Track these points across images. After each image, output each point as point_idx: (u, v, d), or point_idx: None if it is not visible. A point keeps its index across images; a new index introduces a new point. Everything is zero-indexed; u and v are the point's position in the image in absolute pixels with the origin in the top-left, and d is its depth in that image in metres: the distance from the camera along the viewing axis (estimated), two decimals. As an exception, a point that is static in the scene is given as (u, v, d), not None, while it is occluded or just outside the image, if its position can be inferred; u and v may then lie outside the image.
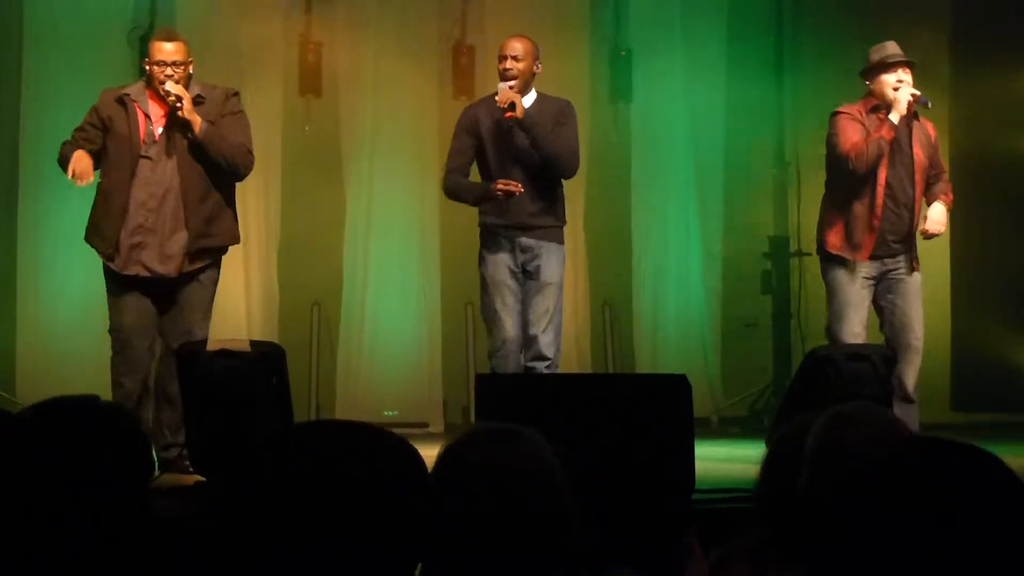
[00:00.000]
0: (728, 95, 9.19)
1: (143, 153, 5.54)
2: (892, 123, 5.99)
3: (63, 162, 5.59)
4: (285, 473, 1.50)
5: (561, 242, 6.01)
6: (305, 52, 8.67)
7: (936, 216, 6.17)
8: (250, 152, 5.71)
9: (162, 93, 5.53)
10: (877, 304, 6.17)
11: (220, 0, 8.49)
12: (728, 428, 8.62)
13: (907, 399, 5.97)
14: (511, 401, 4.63)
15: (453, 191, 6.06)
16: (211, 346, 5.16)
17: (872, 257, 6.09)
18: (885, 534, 1.46)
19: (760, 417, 8.58)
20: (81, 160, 5.50)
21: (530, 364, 5.84)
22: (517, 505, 1.80)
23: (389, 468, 1.56)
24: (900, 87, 6.05)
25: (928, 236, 6.16)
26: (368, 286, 8.66)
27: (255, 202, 8.38)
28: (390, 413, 8.33)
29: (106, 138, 5.62)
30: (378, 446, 1.61)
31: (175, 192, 5.54)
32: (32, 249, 8.07)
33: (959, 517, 1.45)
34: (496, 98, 5.87)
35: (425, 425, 8.35)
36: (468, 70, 8.82)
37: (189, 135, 5.53)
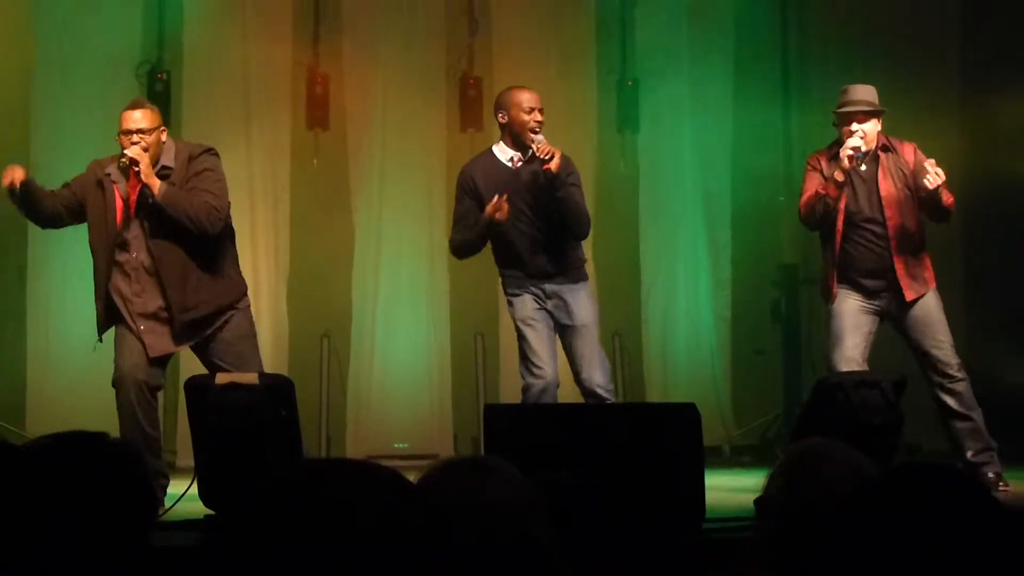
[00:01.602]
0: (735, 124, 9.22)
1: (119, 240, 5.54)
2: (835, 180, 5.96)
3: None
4: (291, 514, 1.51)
5: (585, 279, 6.00)
6: (313, 85, 8.72)
7: (929, 168, 5.91)
8: (216, 208, 5.55)
9: (120, 161, 5.51)
10: (904, 339, 6.20)
11: (227, 34, 8.55)
12: (739, 457, 8.60)
13: (964, 417, 5.99)
14: (521, 432, 4.63)
15: (460, 245, 6.01)
16: (220, 379, 5.17)
17: (864, 292, 6.10)
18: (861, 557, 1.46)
19: (771, 446, 8.56)
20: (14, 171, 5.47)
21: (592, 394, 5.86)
22: (486, 539, 1.76)
23: (392, 509, 1.57)
24: (847, 141, 5.96)
25: (934, 187, 5.91)
26: (377, 318, 8.68)
27: (264, 235, 8.41)
28: (400, 446, 8.33)
29: (85, 214, 5.65)
30: (388, 490, 1.62)
31: (151, 269, 5.55)
32: (42, 283, 8.10)
33: (930, 538, 1.46)
34: (534, 147, 5.80)
35: (435, 457, 8.35)
36: (475, 102, 8.86)
37: (150, 199, 5.50)
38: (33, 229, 8.00)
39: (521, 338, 5.90)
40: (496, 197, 5.69)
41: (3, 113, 8.19)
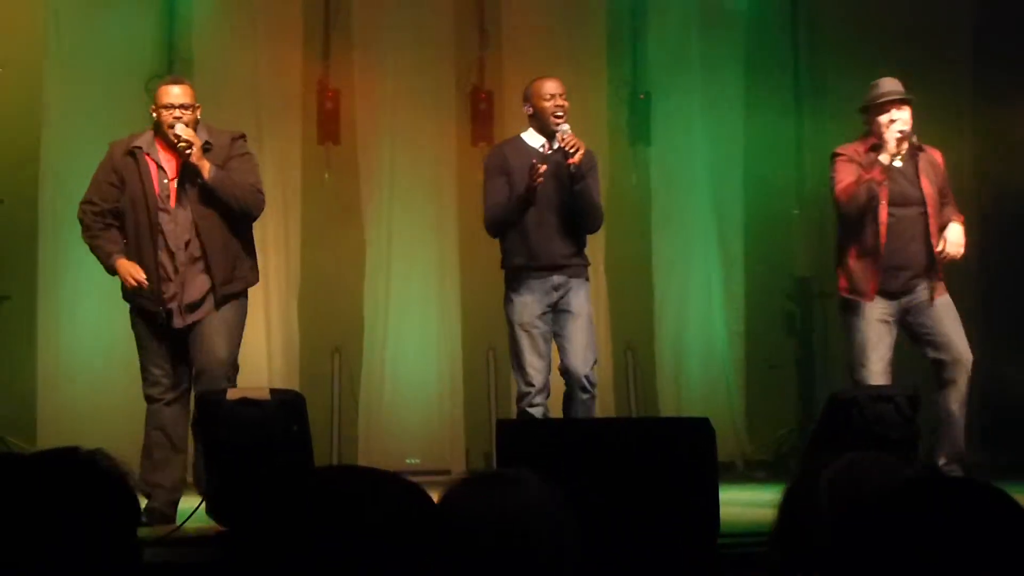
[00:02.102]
0: (747, 135, 9.21)
1: (161, 206, 5.57)
2: (882, 164, 5.99)
3: (98, 253, 5.67)
4: (300, 522, 1.50)
5: (588, 279, 6.05)
6: (323, 100, 8.73)
7: (954, 238, 6.16)
8: (260, 192, 5.71)
9: (172, 138, 5.53)
10: (912, 335, 6.18)
11: (238, 48, 8.56)
12: (753, 472, 8.56)
13: (950, 420, 6.00)
14: (533, 447, 4.63)
15: (496, 219, 6.00)
16: (231, 395, 5.17)
17: (887, 295, 6.08)
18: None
19: (786, 461, 8.53)
20: (127, 266, 5.56)
21: (574, 395, 5.84)
22: (515, 554, 1.76)
23: (408, 519, 1.56)
24: (890, 126, 6.04)
25: (947, 259, 6.14)
26: (388, 332, 8.68)
27: (275, 249, 8.42)
28: (412, 461, 8.32)
29: (122, 195, 5.66)
30: (400, 496, 1.61)
31: (195, 241, 5.57)
32: (52, 297, 8.10)
33: (968, 556, 1.45)
34: (560, 137, 5.84)
35: (447, 472, 8.32)
36: (486, 115, 8.87)
37: (199, 180, 5.54)
38: (44, 245, 8.04)
39: (515, 343, 5.91)
40: (534, 164, 5.68)
41: (15, 116, 8.21)
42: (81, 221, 5.73)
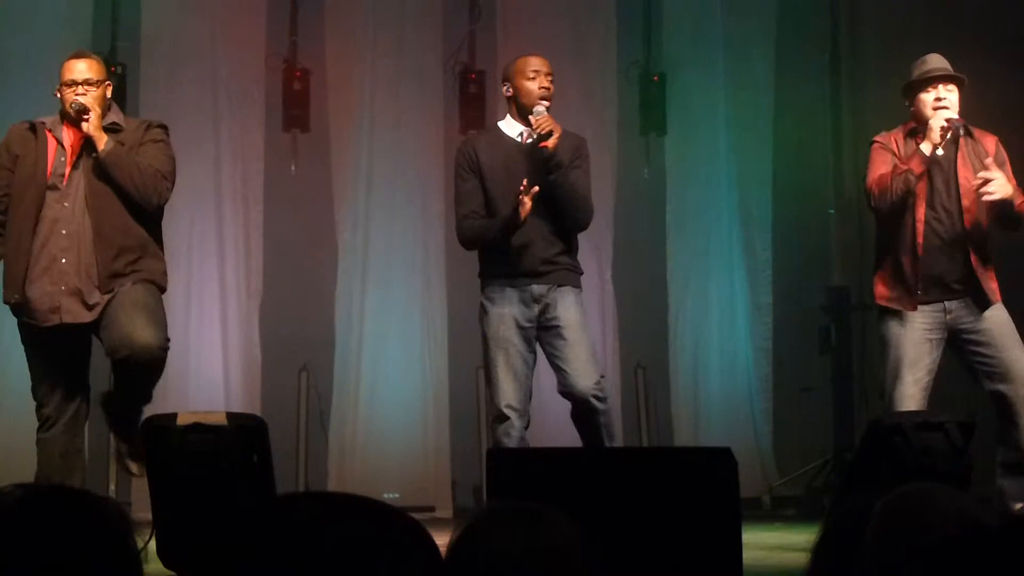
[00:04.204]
0: (777, 123, 9.24)
1: (49, 184, 5.57)
2: (923, 155, 5.95)
3: None
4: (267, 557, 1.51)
5: (578, 287, 5.99)
6: (290, 81, 8.76)
7: (997, 179, 5.98)
8: (165, 177, 5.64)
9: (68, 109, 5.57)
10: (964, 362, 6.13)
11: (192, 22, 8.58)
12: (782, 510, 8.60)
13: (1019, 469, 5.95)
14: (529, 480, 4.63)
15: (472, 237, 6.01)
16: (182, 419, 5.17)
17: (931, 304, 6.05)
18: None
19: (819, 497, 8.55)
20: None
21: (585, 416, 5.82)
22: None
23: (397, 553, 1.57)
24: (936, 111, 6.00)
25: (984, 193, 5.94)
26: (364, 347, 8.69)
27: (233, 252, 8.43)
28: (391, 495, 8.33)
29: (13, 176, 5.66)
30: (384, 526, 1.62)
31: (87, 229, 5.55)
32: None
33: None
34: (533, 120, 5.83)
35: (431, 509, 8.35)
36: (477, 99, 8.89)
37: (93, 154, 5.55)
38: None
39: (487, 359, 5.90)
40: (521, 188, 5.66)
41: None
42: None
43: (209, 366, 8.24)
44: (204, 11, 8.63)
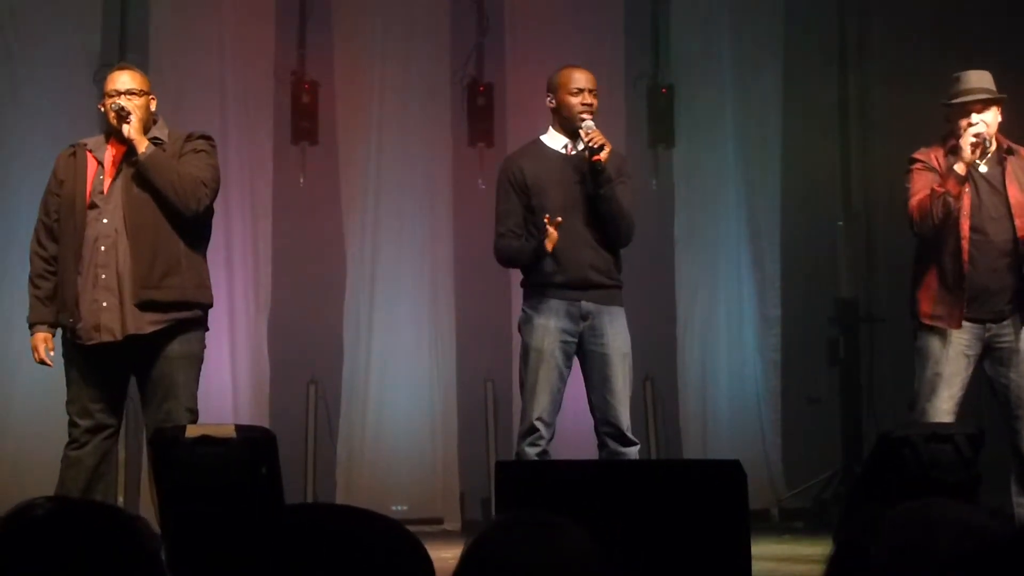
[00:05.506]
0: (785, 135, 9.23)
1: (90, 203, 5.57)
2: (957, 175, 5.93)
3: (30, 301, 5.73)
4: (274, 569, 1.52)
5: (622, 305, 6.00)
6: (299, 93, 8.77)
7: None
8: (204, 184, 5.62)
9: (108, 112, 5.57)
10: (987, 375, 6.10)
11: (200, 34, 8.60)
12: (790, 522, 8.59)
13: None
14: (538, 493, 4.63)
15: (506, 258, 6.03)
16: (191, 432, 5.17)
17: (974, 322, 6.01)
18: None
19: (827, 509, 8.55)
20: (38, 341, 5.64)
21: (620, 451, 5.80)
22: None
23: (389, 566, 1.58)
24: (965, 130, 5.94)
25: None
26: (372, 360, 8.69)
27: (242, 263, 8.44)
28: (399, 508, 8.33)
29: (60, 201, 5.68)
30: (384, 539, 1.63)
31: (124, 239, 5.55)
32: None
33: None
34: (583, 133, 5.84)
35: (440, 521, 8.35)
36: (486, 112, 8.90)
37: (133, 158, 5.56)
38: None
39: (525, 368, 5.86)
40: (546, 219, 5.68)
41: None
42: (31, 257, 5.79)
43: (218, 378, 8.23)
44: (213, 24, 8.64)
